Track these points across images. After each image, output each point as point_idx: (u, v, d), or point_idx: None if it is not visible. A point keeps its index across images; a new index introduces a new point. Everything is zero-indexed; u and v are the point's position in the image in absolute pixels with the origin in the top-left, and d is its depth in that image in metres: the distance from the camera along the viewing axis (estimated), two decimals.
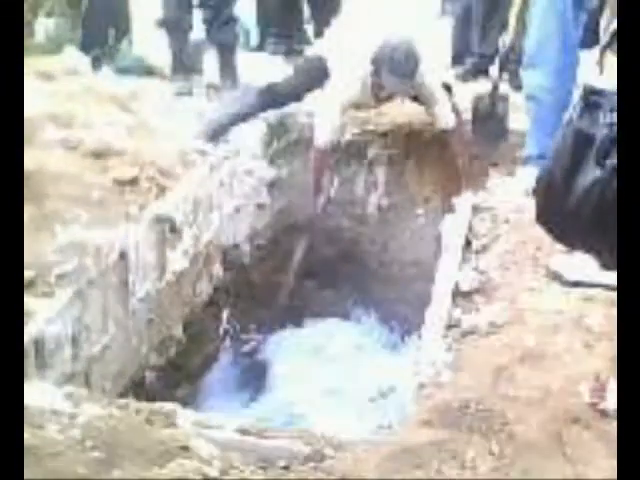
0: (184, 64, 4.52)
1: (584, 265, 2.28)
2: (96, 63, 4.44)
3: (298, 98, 3.73)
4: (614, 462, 1.66)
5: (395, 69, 3.32)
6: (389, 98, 3.62)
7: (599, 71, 1.80)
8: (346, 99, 3.47)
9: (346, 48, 3.48)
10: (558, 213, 1.71)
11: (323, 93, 3.49)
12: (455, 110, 3.65)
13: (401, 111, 3.88)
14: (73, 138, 3.15)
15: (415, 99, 3.62)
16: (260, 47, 5.27)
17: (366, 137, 3.91)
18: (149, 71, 4.68)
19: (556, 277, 2.41)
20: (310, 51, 3.80)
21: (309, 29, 5.26)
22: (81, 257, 2.45)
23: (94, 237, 2.55)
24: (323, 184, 3.70)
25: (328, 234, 3.90)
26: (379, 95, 3.55)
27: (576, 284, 2.35)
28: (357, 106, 3.69)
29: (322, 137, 3.48)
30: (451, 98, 3.67)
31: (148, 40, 4.90)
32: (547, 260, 2.48)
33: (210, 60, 4.65)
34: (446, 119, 3.61)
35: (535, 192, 1.79)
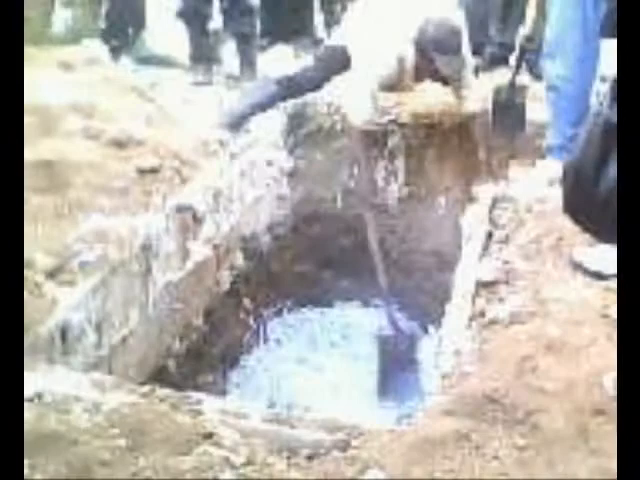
0: (203, 54, 4.53)
1: (607, 256, 2.27)
2: (116, 53, 4.46)
3: (318, 88, 3.71)
4: None
5: (443, 47, 3.31)
6: (431, 77, 3.58)
7: None
8: (380, 81, 3.44)
9: (370, 39, 3.45)
10: (587, 204, 1.69)
11: (353, 75, 3.46)
12: (479, 96, 3.64)
13: (421, 101, 3.86)
14: (94, 128, 3.16)
15: (444, 82, 3.60)
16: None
17: (386, 127, 3.90)
18: (168, 61, 4.69)
19: (579, 268, 2.40)
20: (330, 40, 3.77)
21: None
22: (104, 246, 2.46)
23: (116, 226, 2.57)
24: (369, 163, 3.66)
25: (347, 224, 3.90)
26: (423, 75, 3.51)
27: (599, 275, 2.34)
28: (391, 87, 3.64)
29: (358, 116, 3.45)
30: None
31: (167, 30, 4.90)
32: (570, 250, 2.47)
33: (229, 50, 4.66)
34: (473, 103, 3.60)
35: (563, 182, 1.77)
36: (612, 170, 1.61)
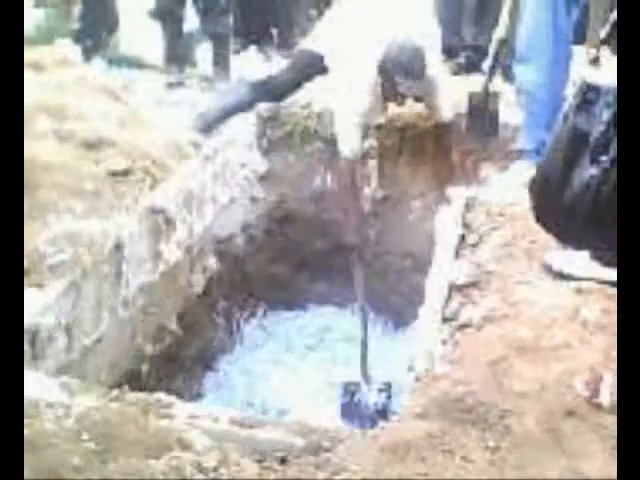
0: (177, 55, 4.51)
1: (579, 259, 2.29)
2: (88, 54, 4.42)
3: (292, 93, 3.71)
4: (609, 455, 1.67)
5: (407, 71, 3.30)
6: (402, 102, 3.59)
7: (595, 67, 1.80)
8: (362, 110, 3.44)
9: (344, 49, 3.44)
10: (554, 209, 1.71)
11: (339, 109, 3.46)
12: (452, 104, 3.65)
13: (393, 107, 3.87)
14: (65, 129, 3.13)
15: (418, 99, 3.61)
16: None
17: None
18: (142, 63, 4.67)
19: (551, 270, 2.41)
20: (303, 45, 3.76)
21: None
22: (75, 248, 2.43)
23: (88, 228, 2.54)
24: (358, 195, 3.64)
25: (321, 226, 3.89)
26: (393, 99, 3.52)
27: (571, 277, 2.35)
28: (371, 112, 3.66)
29: (348, 147, 3.43)
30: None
31: (141, 31, 4.87)
32: (542, 253, 2.48)
33: (203, 52, 4.64)
34: (446, 112, 3.60)
35: (531, 188, 1.79)
36: (576, 176, 1.62)
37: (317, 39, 3.58)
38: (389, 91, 3.40)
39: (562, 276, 2.37)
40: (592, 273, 2.30)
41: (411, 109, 3.77)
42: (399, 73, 3.30)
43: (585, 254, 2.17)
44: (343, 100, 3.41)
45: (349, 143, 3.41)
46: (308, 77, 3.57)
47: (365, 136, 3.59)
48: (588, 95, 1.67)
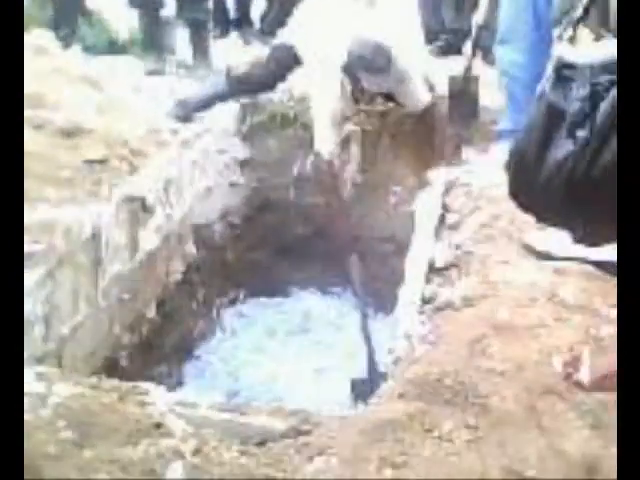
0: (155, 42, 4.48)
1: (557, 238, 2.29)
2: (65, 42, 4.38)
3: (271, 86, 3.71)
4: (588, 433, 1.67)
5: (369, 67, 3.28)
6: (370, 101, 3.58)
7: (571, 44, 1.79)
8: (332, 109, 3.42)
9: (317, 43, 3.42)
10: (530, 187, 1.70)
11: (314, 106, 3.44)
12: (430, 87, 3.64)
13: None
14: (41, 117, 3.10)
15: (387, 97, 3.60)
16: None
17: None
18: (119, 49, 4.63)
19: (530, 250, 2.41)
20: (278, 39, 3.74)
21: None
22: (50, 236, 2.41)
23: (64, 216, 2.52)
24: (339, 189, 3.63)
25: (301, 211, 3.88)
26: (360, 98, 3.51)
27: (549, 257, 2.35)
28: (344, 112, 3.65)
29: (324, 147, 3.41)
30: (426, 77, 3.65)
31: (119, 18, 4.83)
32: (521, 234, 2.48)
33: (182, 38, 4.61)
34: (418, 99, 3.59)
35: (507, 166, 1.78)
36: (552, 153, 1.61)
37: (294, 32, 3.56)
38: (356, 90, 3.41)
39: (541, 256, 2.38)
40: (573, 252, 2.31)
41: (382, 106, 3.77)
42: (363, 70, 3.29)
43: (565, 234, 2.17)
44: (317, 102, 3.40)
45: (324, 144, 3.39)
46: (285, 72, 3.58)
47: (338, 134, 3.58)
48: (563, 72, 1.66)
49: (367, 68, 3.28)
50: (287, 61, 3.54)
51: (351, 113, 3.72)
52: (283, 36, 3.64)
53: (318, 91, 3.39)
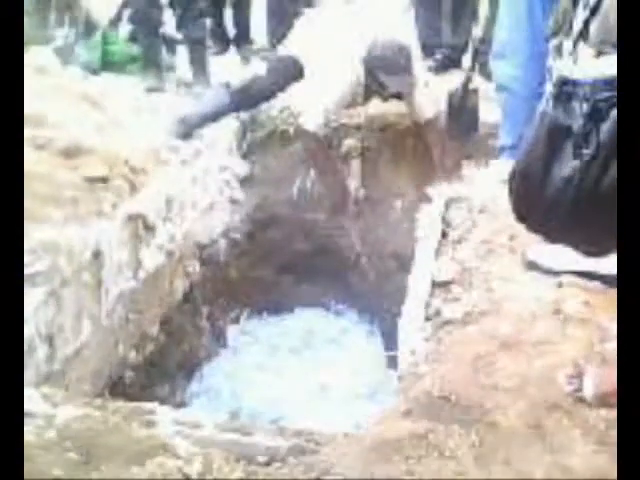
0: (155, 60, 4.49)
1: (560, 253, 2.29)
2: (65, 61, 4.39)
3: (271, 98, 3.72)
4: (593, 448, 1.67)
5: (391, 67, 3.32)
6: (385, 98, 3.61)
7: (572, 61, 1.79)
8: (333, 99, 3.45)
9: (324, 51, 3.45)
10: (535, 205, 1.70)
11: (309, 88, 3.47)
12: (433, 101, 3.66)
13: (375, 104, 3.87)
14: (43, 137, 3.10)
15: (398, 96, 3.62)
16: None
17: (340, 130, 3.90)
18: (119, 68, 4.64)
19: (532, 266, 2.41)
20: (280, 50, 3.77)
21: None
22: (54, 256, 2.41)
23: (66, 236, 2.52)
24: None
25: (304, 227, 3.89)
26: (372, 95, 3.53)
27: (552, 272, 2.35)
28: (347, 105, 3.68)
29: (311, 122, 3.44)
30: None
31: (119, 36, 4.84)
32: (523, 249, 2.48)
33: (181, 56, 4.62)
34: (426, 110, 3.62)
35: (510, 184, 1.78)
36: (557, 170, 1.61)
37: (293, 44, 3.59)
38: (373, 87, 3.42)
39: (544, 271, 2.38)
40: (574, 267, 2.31)
41: (392, 107, 3.78)
42: (384, 69, 3.32)
43: (567, 249, 2.17)
44: (315, 83, 3.42)
45: (312, 117, 3.41)
46: (286, 83, 3.59)
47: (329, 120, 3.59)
48: (564, 89, 1.66)
49: (388, 68, 3.31)
50: (289, 71, 3.56)
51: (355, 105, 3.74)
52: (284, 48, 3.67)
53: (319, 72, 3.40)
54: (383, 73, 3.34)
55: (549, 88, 1.72)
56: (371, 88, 3.46)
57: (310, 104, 3.45)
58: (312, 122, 3.46)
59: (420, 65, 3.79)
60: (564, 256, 2.29)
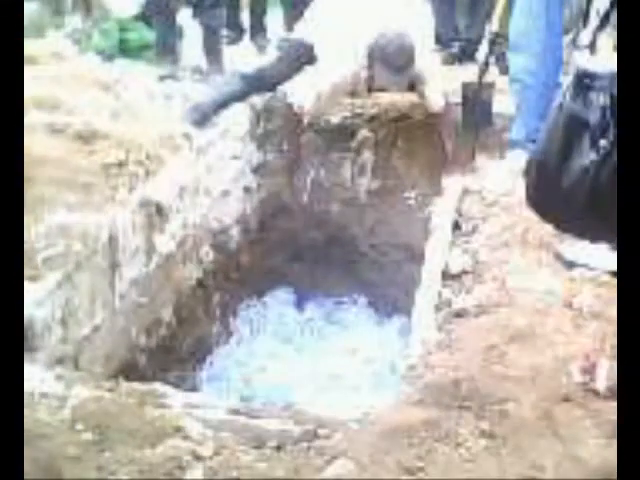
0: (170, 48, 4.50)
1: (594, 249, 2.29)
2: (81, 47, 4.41)
3: (285, 82, 3.71)
4: (604, 440, 1.68)
5: (388, 63, 3.31)
6: (383, 89, 3.61)
7: (591, 53, 1.79)
8: (335, 88, 3.45)
9: (333, 35, 3.45)
10: (551, 196, 1.70)
11: (313, 73, 3.47)
12: (443, 93, 3.65)
13: (388, 95, 3.87)
14: (58, 122, 3.11)
15: (410, 89, 3.62)
16: None
17: (353, 121, 3.90)
18: (135, 55, 4.66)
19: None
20: (293, 34, 3.77)
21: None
22: (68, 241, 2.42)
23: (81, 221, 2.53)
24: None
25: (316, 216, 3.89)
26: (372, 87, 3.53)
27: (569, 264, 2.35)
28: (351, 94, 3.68)
29: (303, 103, 3.45)
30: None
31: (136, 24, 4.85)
32: (536, 241, 2.49)
33: (195, 44, 4.63)
34: (436, 101, 3.61)
35: (526, 175, 1.78)
36: (575, 162, 1.62)
37: (306, 29, 3.59)
38: (370, 78, 3.43)
39: (562, 262, 2.37)
40: (590, 260, 2.31)
41: (405, 98, 3.79)
42: (379, 63, 3.31)
43: (583, 242, 2.17)
44: (321, 71, 3.42)
45: (299, 94, 3.42)
46: (299, 67, 3.58)
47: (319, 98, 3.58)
48: (584, 81, 1.66)
49: (385, 64, 3.31)
50: (301, 56, 3.55)
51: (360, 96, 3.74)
52: (295, 33, 3.67)
53: (326, 67, 3.41)
54: (384, 69, 3.34)
55: (567, 80, 1.72)
56: (373, 82, 3.46)
57: (303, 84, 3.45)
58: (297, 98, 3.46)
59: (434, 56, 3.78)
60: (580, 249, 2.30)
